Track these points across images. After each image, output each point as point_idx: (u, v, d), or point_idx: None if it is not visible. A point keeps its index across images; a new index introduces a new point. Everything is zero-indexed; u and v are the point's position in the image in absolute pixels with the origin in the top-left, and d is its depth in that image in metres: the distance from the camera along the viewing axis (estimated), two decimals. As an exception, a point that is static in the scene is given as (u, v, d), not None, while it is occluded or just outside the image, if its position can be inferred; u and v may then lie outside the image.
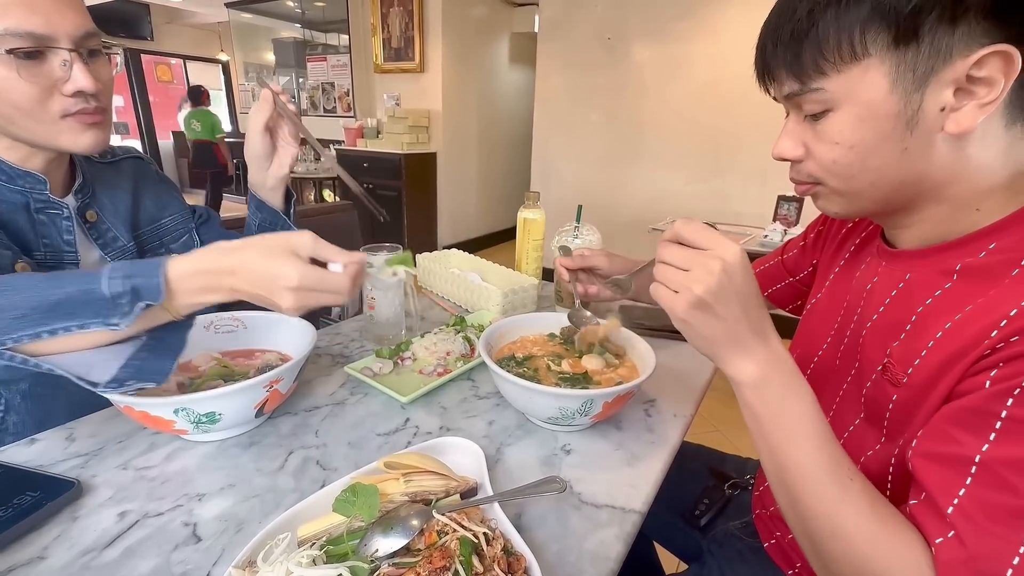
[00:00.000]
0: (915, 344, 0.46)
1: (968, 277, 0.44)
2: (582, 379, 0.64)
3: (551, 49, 3.34)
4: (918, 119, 0.42)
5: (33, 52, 0.56)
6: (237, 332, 0.72)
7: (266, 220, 0.84)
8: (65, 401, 0.66)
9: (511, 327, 0.75)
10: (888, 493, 0.48)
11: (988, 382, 0.38)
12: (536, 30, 3.49)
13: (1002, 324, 0.39)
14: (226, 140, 6.78)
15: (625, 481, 0.56)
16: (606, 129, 3.25)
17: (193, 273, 0.51)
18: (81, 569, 0.42)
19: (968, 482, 0.37)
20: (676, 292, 0.45)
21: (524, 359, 0.69)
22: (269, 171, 0.79)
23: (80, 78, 0.59)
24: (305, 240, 0.53)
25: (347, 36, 4.11)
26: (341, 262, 0.54)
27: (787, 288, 0.79)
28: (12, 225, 0.64)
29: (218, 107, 7.93)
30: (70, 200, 0.71)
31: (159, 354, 0.53)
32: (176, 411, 0.52)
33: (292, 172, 0.83)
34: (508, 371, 0.59)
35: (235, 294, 0.53)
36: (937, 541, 0.37)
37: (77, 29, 0.59)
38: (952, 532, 0.36)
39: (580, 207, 0.97)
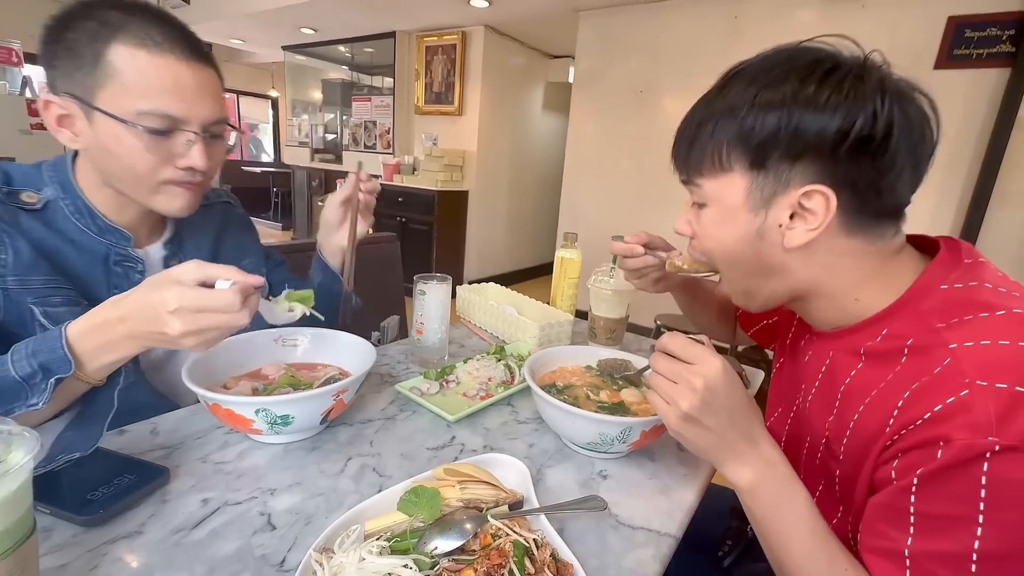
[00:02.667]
0: (842, 422, 0.51)
1: (872, 360, 0.50)
2: (619, 409, 0.69)
3: (585, 98, 3.50)
4: (764, 230, 0.50)
5: (164, 131, 0.63)
6: (301, 347, 0.78)
7: (325, 281, 0.90)
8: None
9: (550, 358, 0.80)
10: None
11: (893, 473, 0.43)
12: (570, 80, 3.68)
13: (895, 414, 0.44)
14: (269, 170, 7.15)
15: (659, 508, 0.59)
16: (635, 176, 3.36)
17: (88, 330, 0.53)
18: (174, 545, 0.48)
19: (908, 574, 0.41)
20: (667, 404, 0.50)
21: (564, 387, 0.74)
22: (334, 238, 0.88)
23: (197, 157, 0.66)
24: (187, 266, 0.52)
25: (392, 79, 4.38)
26: (228, 278, 0.53)
27: (765, 329, 0.84)
28: (89, 276, 0.69)
29: (264, 139, 8.39)
30: (158, 249, 0.77)
31: (89, 422, 0.56)
32: (257, 411, 0.58)
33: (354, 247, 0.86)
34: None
35: (132, 342, 0.54)
36: None
37: (210, 117, 0.66)
38: None
39: (617, 249, 1.03)
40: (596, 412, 0.66)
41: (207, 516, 0.51)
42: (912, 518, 0.41)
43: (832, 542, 0.47)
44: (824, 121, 0.44)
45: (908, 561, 0.41)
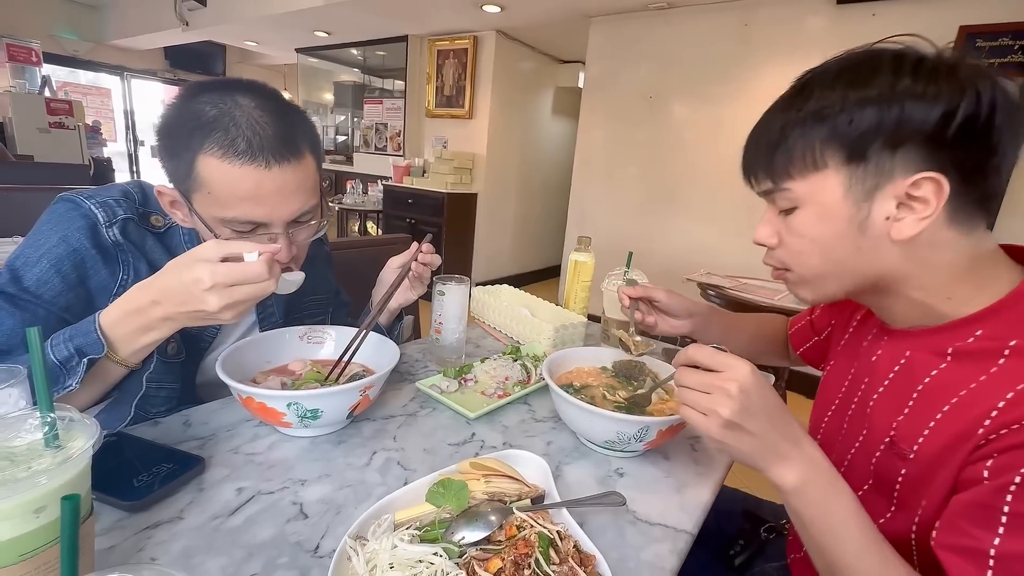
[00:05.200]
0: (918, 421, 0.50)
1: (961, 360, 0.49)
2: (636, 409, 0.70)
3: (594, 104, 3.53)
4: (868, 224, 0.49)
5: (248, 231, 0.65)
6: (325, 344, 0.81)
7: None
8: None
9: (566, 359, 0.82)
10: (915, 565, 0.50)
11: (986, 472, 0.43)
12: (580, 85, 3.71)
13: (992, 414, 0.44)
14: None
15: (675, 505, 0.61)
16: (643, 181, 3.38)
17: (122, 317, 0.56)
18: (213, 531, 0.50)
19: (989, 574, 0.40)
20: (705, 415, 0.49)
21: (581, 387, 0.76)
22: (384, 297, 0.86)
23: (280, 253, 0.66)
24: (208, 246, 0.55)
25: (403, 83, 4.42)
26: (255, 251, 0.56)
27: (814, 347, 0.83)
28: None
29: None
30: None
31: (118, 403, 0.60)
32: (288, 405, 0.60)
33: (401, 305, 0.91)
34: (570, 396, 0.66)
35: (169, 323, 0.57)
36: None
37: (292, 215, 0.67)
38: None
39: (631, 254, 1.05)
40: (614, 411, 0.68)
41: (242, 504, 0.54)
42: (1004, 518, 0.40)
43: (882, 539, 0.47)
44: (927, 109, 0.44)
45: (992, 561, 0.40)
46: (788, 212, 0.54)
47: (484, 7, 3.33)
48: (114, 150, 6.06)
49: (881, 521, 0.53)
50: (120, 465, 0.55)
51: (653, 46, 3.20)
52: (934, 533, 0.46)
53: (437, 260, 0.88)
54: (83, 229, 0.65)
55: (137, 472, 0.54)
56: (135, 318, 0.57)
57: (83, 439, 0.39)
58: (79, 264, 0.65)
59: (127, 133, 6.39)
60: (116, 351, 0.57)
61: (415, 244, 0.86)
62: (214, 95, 0.63)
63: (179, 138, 0.62)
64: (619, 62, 3.35)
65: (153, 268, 0.69)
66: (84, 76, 5.97)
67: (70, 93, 5.38)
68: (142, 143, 6.43)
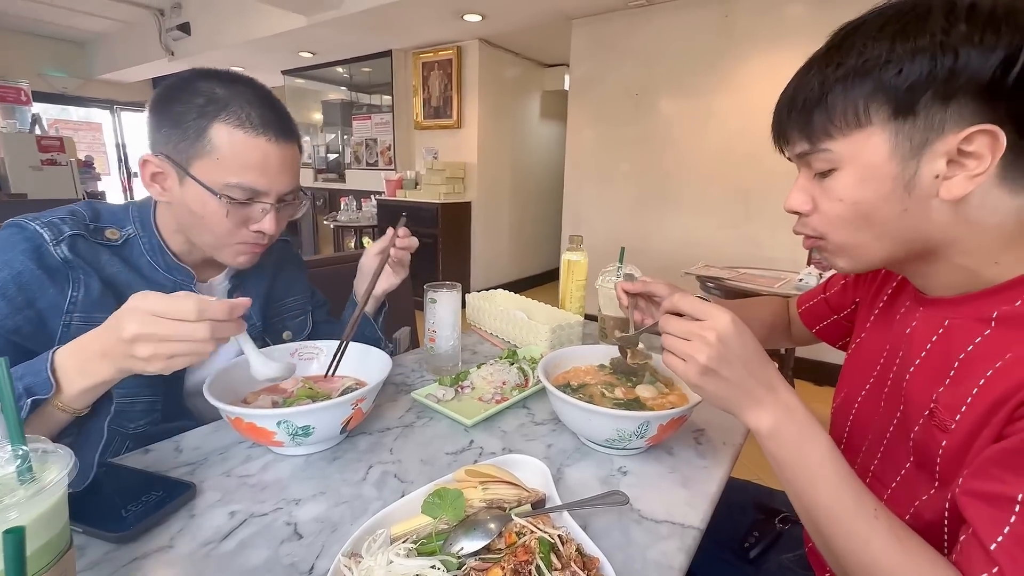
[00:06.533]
0: (960, 391, 0.47)
1: (1006, 325, 0.47)
2: (635, 405, 0.69)
3: (581, 105, 3.53)
4: (915, 183, 0.46)
5: (245, 201, 0.69)
6: (317, 359, 0.79)
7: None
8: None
9: (562, 358, 0.81)
10: (945, 541, 0.48)
11: None
12: (566, 88, 3.72)
13: None
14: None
15: (681, 500, 0.59)
16: (636, 178, 3.37)
17: (68, 353, 0.52)
18: (204, 557, 0.48)
19: (1013, 520, 0.38)
20: (684, 361, 0.51)
21: (579, 386, 0.74)
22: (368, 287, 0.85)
23: (268, 224, 0.72)
24: (179, 295, 0.51)
25: (390, 97, 4.44)
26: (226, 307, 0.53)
27: (833, 325, 0.81)
28: None
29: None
30: (221, 280, 0.82)
31: (80, 450, 0.52)
32: (279, 423, 0.59)
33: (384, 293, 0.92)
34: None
35: (107, 361, 0.52)
36: None
37: (286, 188, 0.72)
38: (996, 568, 0.37)
39: (623, 249, 1.04)
40: (612, 408, 0.66)
41: (235, 528, 0.52)
42: None
43: (859, 483, 0.46)
44: (984, 56, 0.41)
45: (1019, 507, 0.38)
46: (824, 175, 0.51)
47: (465, 16, 3.35)
48: (108, 184, 6.08)
49: (924, 498, 0.51)
50: (107, 496, 0.54)
51: (636, 44, 3.21)
52: (960, 481, 0.44)
53: (415, 243, 0.89)
54: (27, 251, 0.64)
55: (125, 502, 0.53)
56: (77, 354, 0.53)
57: (56, 470, 0.37)
58: (24, 287, 0.64)
59: (119, 165, 6.42)
60: (60, 393, 0.52)
61: (391, 230, 0.86)
62: (215, 81, 0.68)
63: (189, 107, 0.66)
64: (603, 62, 3.36)
65: (108, 283, 0.69)
66: (75, 112, 6.02)
67: (61, 130, 5.41)
68: (135, 175, 6.45)
